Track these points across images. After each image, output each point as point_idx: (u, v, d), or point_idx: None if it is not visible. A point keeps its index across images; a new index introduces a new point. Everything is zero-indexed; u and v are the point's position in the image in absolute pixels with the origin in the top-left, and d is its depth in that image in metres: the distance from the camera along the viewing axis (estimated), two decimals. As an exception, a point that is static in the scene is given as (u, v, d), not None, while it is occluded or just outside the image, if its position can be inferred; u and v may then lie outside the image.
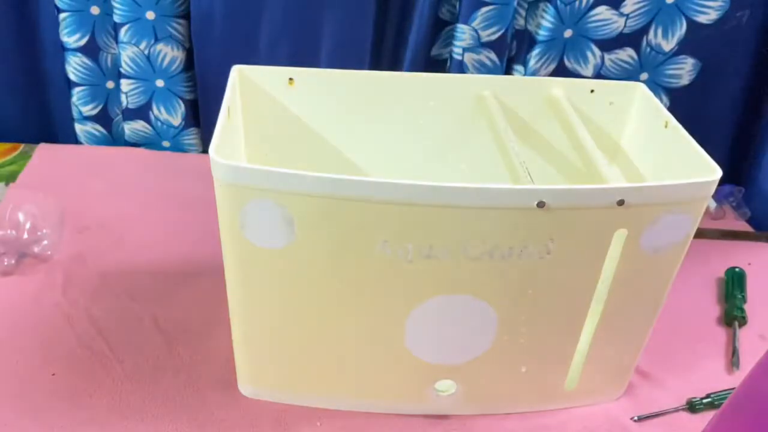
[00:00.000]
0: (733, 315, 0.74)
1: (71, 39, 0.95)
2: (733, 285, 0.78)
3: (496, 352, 0.58)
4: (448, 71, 0.93)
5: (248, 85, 0.69)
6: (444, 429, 0.62)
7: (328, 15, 0.91)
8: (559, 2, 0.84)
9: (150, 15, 0.92)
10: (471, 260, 0.52)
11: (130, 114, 1.00)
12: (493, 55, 0.89)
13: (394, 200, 0.49)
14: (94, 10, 0.94)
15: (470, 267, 0.52)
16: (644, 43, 0.88)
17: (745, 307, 0.76)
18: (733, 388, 0.66)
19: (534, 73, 0.88)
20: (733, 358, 0.70)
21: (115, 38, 0.94)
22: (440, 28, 0.91)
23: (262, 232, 0.52)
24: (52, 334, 0.69)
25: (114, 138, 1.05)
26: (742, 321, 0.74)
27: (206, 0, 0.91)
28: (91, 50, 0.96)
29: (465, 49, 0.89)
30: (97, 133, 1.03)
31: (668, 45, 0.88)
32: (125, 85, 0.97)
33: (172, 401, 0.63)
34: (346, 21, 0.91)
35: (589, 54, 0.88)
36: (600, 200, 0.50)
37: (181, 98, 0.99)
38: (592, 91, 0.70)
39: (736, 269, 0.80)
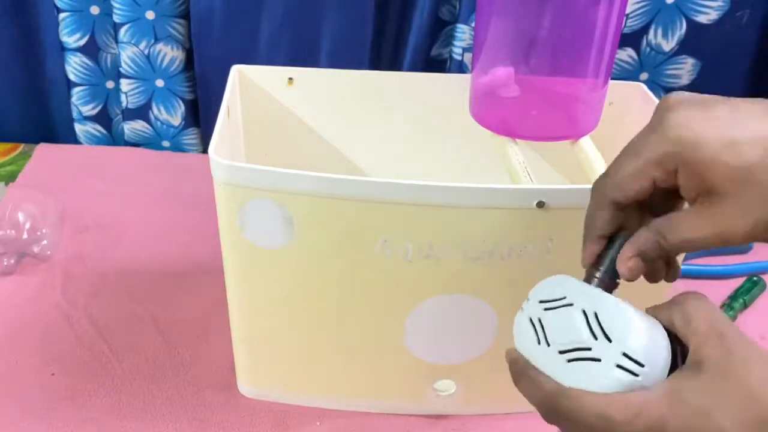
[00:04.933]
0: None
1: (71, 39, 0.95)
2: (743, 290, 0.78)
3: (496, 352, 0.58)
4: (448, 71, 0.93)
5: (248, 85, 0.69)
6: (444, 429, 0.62)
7: (328, 15, 0.91)
8: (559, 2, 0.84)
9: (150, 15, 0.92)
10: (471, 260, 0.52)
11: (130, 114, 1.00)
12: (493, 55, 0.89)
13: (394, 200, 0.49)
14: (94, 10, 0.94)
15: (470, 267, 0.52)
16: (644, 43, 0.88)
17: (740, 314, 0.76)
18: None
19: (534, 73, 0.88)
20: None
21: (115, 38, 0.94)
22: (440, 28, 0.91)
23: (261, 232, 0.52)
24: (51, 334, 0.69)
25: (114, 138, 1.05)
26: None
27: (206, 0, 0.91)
28: (90, 50, 0.96)
29: (465, 49, 0.89)
30: (97, 133, 1.03)
31: (668, 45, 0.88)
32: (125, 85, 0.97)
33: (172, 401, 0.63)
34: (346, 21, 0.91)
35: (589, 54, 0.88)
36: (600, 200, 0.50)
37: (181, 98, 0.99)
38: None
39: (755, 278, 0.80)
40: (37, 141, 1.02)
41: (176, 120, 1.01)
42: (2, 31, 0.96)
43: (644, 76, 0.90)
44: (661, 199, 0.39)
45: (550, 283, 0.42)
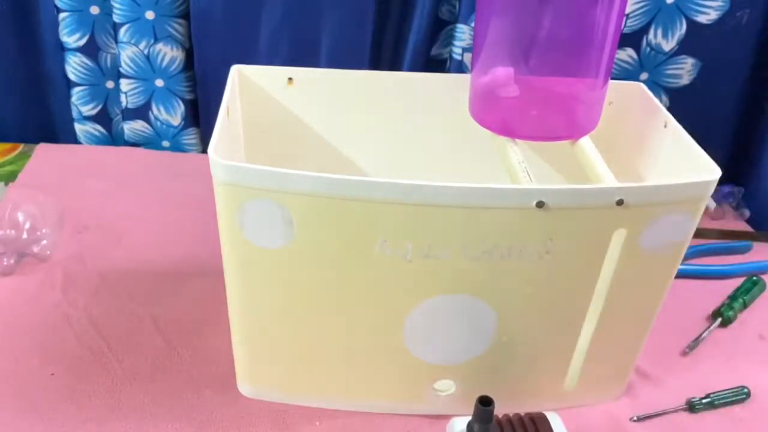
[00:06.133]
0: (720, 312, 0.75)
1: (71, 39, 0.95)
2: (743, 290, 0.78)
3: (496, 352, 0.58)
4: (448, 71, 0.93)
5: (248, 85, 0.69)
6: (443, 429, 0.62)
7: (327, 15, 0.91)
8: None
9: (149, 15, 0.92)
10: (470, 260, 0.52)
11: (130, 114, 1.00)
12: (492, 55, 0.89)
13: (394, 200, 0.49)
14: (94, 9, 0.94)
15: (470, 267, 0.52)
16: (644, 42, 0.88)
17: (741, 314, 0.76)
18: (731, 389, 0.66)
19: (534, 73, 0.88)
20: (691, 343, 0.71)
21: (115, 38, 0.94)
22: (440, 28, 0.91)
23: (261, 232, 0.52)
24: (51, 334, 0.69)
25: (114, 138, 1.05)
26: (726, 320, 0.75)
27: (206, 0, 0.91)
28: (90, 50, 0.96)
29: (465, 49, 0.89)
30: (96, 133, 1.03)
31: (668, 45, 0.88)
32: (125, 84, 0.97)
33: (172, 401, 0.63)
34: (345, 21, 0.91)
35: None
36: (599, 200, 0.50)
37: (181, 98, 0.99)
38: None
39: (754, 278, 0.80)
40: (37, 141, 1.02)
41: (176, 120, 1.01)
42: (2, 31, 0.96)
43: (644, 76, 0.90)
44: None
45: None
